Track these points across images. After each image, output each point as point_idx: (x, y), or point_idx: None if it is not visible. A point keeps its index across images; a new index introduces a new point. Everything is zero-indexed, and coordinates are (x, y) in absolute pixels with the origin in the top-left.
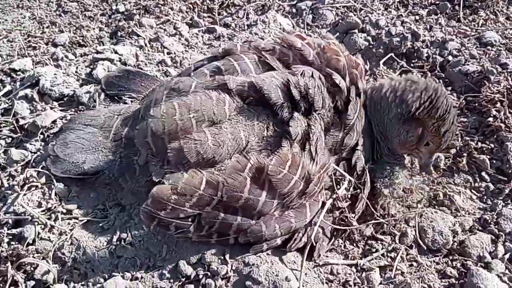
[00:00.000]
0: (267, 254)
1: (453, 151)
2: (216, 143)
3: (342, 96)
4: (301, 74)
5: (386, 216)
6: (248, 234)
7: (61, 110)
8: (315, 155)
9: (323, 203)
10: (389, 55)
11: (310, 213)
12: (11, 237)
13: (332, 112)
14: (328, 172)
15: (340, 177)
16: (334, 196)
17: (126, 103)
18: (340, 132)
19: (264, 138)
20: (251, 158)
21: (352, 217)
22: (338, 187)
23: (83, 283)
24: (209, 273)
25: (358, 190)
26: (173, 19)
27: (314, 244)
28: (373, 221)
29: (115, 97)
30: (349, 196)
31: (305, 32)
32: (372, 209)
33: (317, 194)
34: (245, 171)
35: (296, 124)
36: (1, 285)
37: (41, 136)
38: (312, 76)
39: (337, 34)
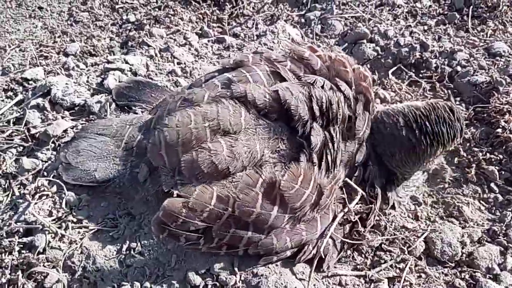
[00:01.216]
0: (276, 265)
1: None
2: (231, 154)
3: (351, 108)
4: (321, 87)
5: (396, 229)
6: (259, 247)
7: (72, 120)
8: (333, 167)
9: (334, 216)
10: (397, 65)
11: (321, 225)
12: (22, 245)
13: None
14: (339, 184)
15: (352, 191)
16: (346, 210)
17: (136, 113)
18: (352, 145)
19: (279, 151)
20: (263, 173)
21: (364, 231)
22: (350, 201)
23: None
24: (217, 284)
25: (370, 204)
26: (183, 29)
27: (323, 256)
28: (384, 237)
29: (126, 107)
30: (360, 210)
31: (313, 42)
32: (384, 222)
33: (328, 206)
34: (257, 186)
35: (316, 134)
36: None
37: (52, 145)
38: (330, 88)
39: (346, 44)
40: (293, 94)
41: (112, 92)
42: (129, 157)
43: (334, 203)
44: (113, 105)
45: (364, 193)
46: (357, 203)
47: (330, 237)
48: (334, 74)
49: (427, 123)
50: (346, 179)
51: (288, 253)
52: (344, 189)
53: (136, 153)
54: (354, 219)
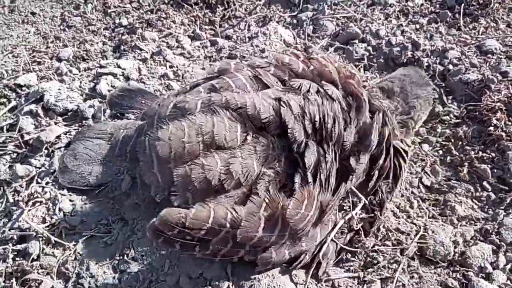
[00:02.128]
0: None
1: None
2: (228, 171)
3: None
4: (308, 91)
5: (389, 230)
6: (258, 261)
7: (65, 125)
8: (326, 183)
9: (335, 225)
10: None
11: (320, 235)
12: (16, 253)
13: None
14: (340, 197)
15: (355, 200)
16: (347, 217)
17: (129, 118)
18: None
19: (275, 168)
20: (266, 197)
21: (366, 239)
22: (353, 208)
23: None
24: None
25: (372, 212)
26: (175, 32)
27: (321, 261)
28: (377, 239)
29: (119, 114)
30: (364, 217)
31: (305, 43)
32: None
33: (329, 219)
34: (260, 212)
35: (310, 153)
36: None
37: (46, 151)
38: (317, 91)
39: (337, 44)
40: (293, 112)
41: (105, 99)
42: (122, 163)
43: (334, 213)
44: (108, 111)
45: (366, 201)
46: (359, 211)
47: (330, 243)
48: (317, 74)
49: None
50: (352, 187)
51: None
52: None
53: (129, 158)
54: (356, 227)
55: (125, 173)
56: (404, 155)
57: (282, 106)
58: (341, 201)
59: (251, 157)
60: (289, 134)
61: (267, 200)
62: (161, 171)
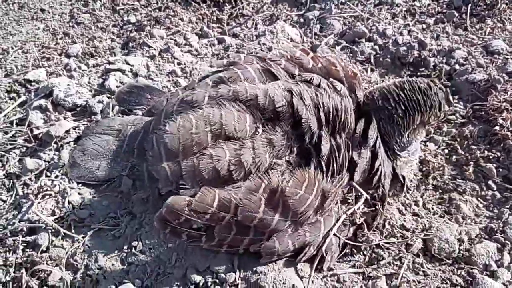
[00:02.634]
0: (275, 262)
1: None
2: (238, 162)
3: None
4: (318, 85)
5: (394, 226)
6: (262, 250)
7: (74, 120)
8: (337, 173)
9: (338, 219)
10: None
11: (324, 227)
12: (25, 244)
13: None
14: (343, 187)
15: (357, 194)
16: (350, 211)
17: (137, 114)
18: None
19: (287, 159)
20: (265, 178)
21: (368, 233)
22: (355, 202)
23: None
24: (217, 281)
25: (374, 206)
26: (183, 29)
27: (325, 255)
28: (382, 236)
29: (126, 110)
30: (367, 212)
31: (312, 42)
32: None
33: (332, 209)
34: (260, 192)
35: (326, 143)
36: None
37: (55, 146)
38: (327, 86)
39: (344, 43)
40: (305, 102)
41: (114, 95)
42: (129, 158)
43: (337, 205)
44: (116, 108)
45: (368, 196)
46: (361, 205)
47: (334, 236)
48: (325, 72)
49: (400, 92)
50: (353, 183)
51: (290, 254)
52: (349, 190)
53: (136, 154)
54: (359, 221)
55: (126, 172)
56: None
57: (294, 96)
58: (345, 195)
59: (263, 147)
60: (303, 124)
61: (266, 181)
62: (170, 164)
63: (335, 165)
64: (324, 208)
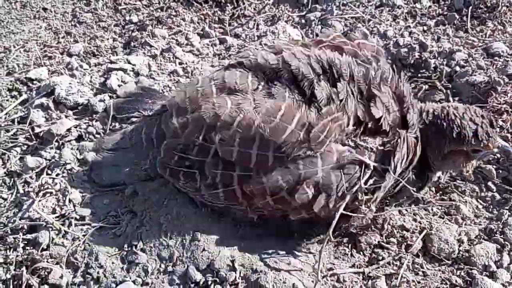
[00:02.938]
0: (275, 261)
1: None
2: (238, 110)
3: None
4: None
5: (394, 227)
6: (252, 188)
7: (75, 119)
8: (336, 109)
9: (339, 158)
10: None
11: (322, 162)
12: (26, 242)
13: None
14: (339, 123)
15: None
16: (356, 188)
17: (134, 121)
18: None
19: None
20: (241, 112)
21: (368, 211)
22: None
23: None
24: (217, 280)
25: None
26: (184, 29)
27: (323, 192)
28: (381, 235)
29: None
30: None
31: None
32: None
33: (328, 145)
34: (234, 125)
35: (321, 88)
36: None
37: (56, 144)
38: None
39: None
40: (296, 56)
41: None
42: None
43: (338, 144)
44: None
45: (375, 164)
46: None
47: (332, 173)
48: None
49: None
50: (356, 155)
51: (285, 191)
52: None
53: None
54: (361, 197)
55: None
56: None
57: (284, 51)
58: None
59: (264, 99)
60: (294, 72)
61: (241, 115)
62: (179, 119)
63: (332, 104)
64: (313, 139)
